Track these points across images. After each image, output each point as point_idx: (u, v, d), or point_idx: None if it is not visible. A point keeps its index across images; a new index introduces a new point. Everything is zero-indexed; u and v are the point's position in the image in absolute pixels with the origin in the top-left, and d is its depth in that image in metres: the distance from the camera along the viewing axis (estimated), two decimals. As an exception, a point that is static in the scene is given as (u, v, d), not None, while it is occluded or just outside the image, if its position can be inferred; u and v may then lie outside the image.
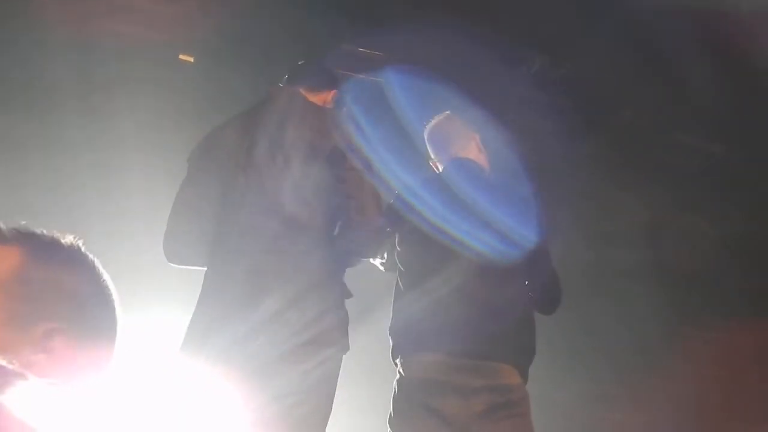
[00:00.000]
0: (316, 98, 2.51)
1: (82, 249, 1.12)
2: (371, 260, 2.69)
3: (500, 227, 2.59)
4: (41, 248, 1.07)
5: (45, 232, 1.09)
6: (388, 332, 2.64)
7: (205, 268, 2.41)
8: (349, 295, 2.37)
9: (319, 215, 2.30)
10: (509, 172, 2.91)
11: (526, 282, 2.69)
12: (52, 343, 1.01)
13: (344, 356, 2.32)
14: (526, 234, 2.60)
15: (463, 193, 2.64)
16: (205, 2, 3.52)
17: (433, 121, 2.93)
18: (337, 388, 2.30)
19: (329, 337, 2.24)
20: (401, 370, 2.54)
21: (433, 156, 2.89)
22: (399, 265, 2.68)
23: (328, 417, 2.25)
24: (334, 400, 2.28)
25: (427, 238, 2.57)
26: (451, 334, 2.46)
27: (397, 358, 2.57)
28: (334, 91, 2.56)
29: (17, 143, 3.65)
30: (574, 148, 3.96)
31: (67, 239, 1.10)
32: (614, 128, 4.15)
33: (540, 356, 2.65)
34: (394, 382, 2.56)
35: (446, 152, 2.81)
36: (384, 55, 3.43)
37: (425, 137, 2.92)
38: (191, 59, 3.86)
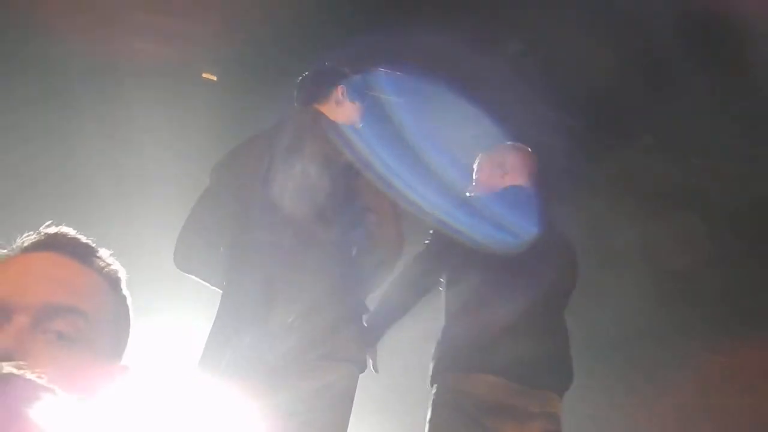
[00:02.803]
0: (329, 108, 2.54)
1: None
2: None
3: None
4: (115, 277, 1.05)
5: (112, 260, 1.06)
6: (436, 347, 2.64)
7: (210, 284, 2.42)
8: (366, 310, 2.35)
9: (336, 229, 2.30)
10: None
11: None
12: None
13: (362, 374, 2.30)
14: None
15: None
16: (229, 22, 3.57)
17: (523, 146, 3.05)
18: (353, 408, 2.27)
19: (344, 351, 2.21)
20: (456, 385, 2.55)
21: (514, 168, 2.95)
22: (450, 283, 2.69)
23: None
24: (350, 421, 2.25)
25: (485, 259, 2.62)
26: (513, 359, 2.53)
27: (449, 373, 2.57)
28: (341, 87, 2.59)
29: (43, 158, 3.71)
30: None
31: (117, 264, 1.08)
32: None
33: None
34: (440, 397, 2.57)
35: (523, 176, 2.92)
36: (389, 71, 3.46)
37: (514, 151, 3.01)
38: (214, 78, 3.91)
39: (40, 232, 1.04)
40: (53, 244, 1.02)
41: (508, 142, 3.09)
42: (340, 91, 2.59)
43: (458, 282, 2.67)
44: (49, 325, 0.93)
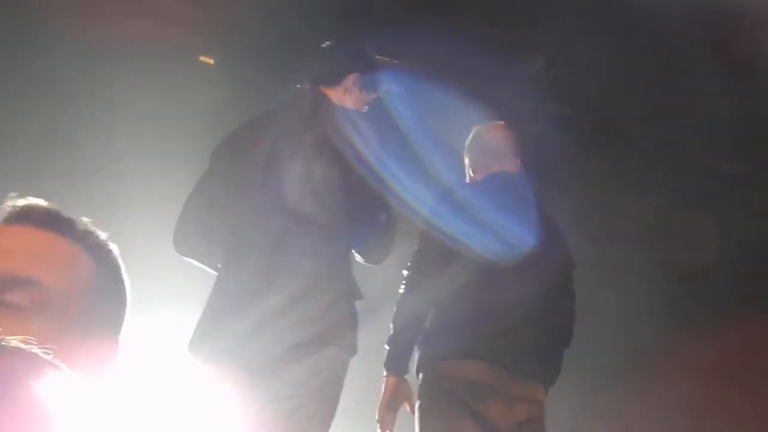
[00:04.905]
0: (337, 94, 2.51)
1: (113, 246, 1.04)
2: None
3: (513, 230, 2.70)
4: (102, 253, 1.01)
5: (98, 232, 1.02)
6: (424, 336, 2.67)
7: (208, 268, 2.42)
8: (359, 296, 2.36)
9: (333, 214, 2.30)
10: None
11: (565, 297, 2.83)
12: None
13: (353, 359, 2.31)
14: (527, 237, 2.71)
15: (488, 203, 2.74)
16: (226, 4, 3.55)
17: (484, 128, 3.02)
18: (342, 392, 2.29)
19: (333, 335, 2.22)
20: (441, 371, 2.58)
21: (473, 162, 2.95)
22: (429, 273, 2.69)
23: (331, 422, 2.24)
24: (339, 405, 2.27)
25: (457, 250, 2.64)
26: (497, 347, 2.57)
27: (435, 360, 2.61)
28: (355, 74, 2.53)
29: (33, 142, 3.68)
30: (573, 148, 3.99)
31: (103, 234, 1.03)
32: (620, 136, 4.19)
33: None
34: (426, 382, 2.62)
35: (494, 162, 2.90)
36: (400, 62, 3.46)
37: (473, 141, 2.99)
38: (211, 61, 3.89)
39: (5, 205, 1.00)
40: (19, 216, 0.98)
41: (487, 123, 3.06)
42: (351, 80, 2.53)
43: (444, 273, 2.68)
44: (1, 298, 0.89)
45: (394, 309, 2.68)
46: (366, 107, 2.59)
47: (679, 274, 4.43)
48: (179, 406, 2.27)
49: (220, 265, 2.37)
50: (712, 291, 4.45)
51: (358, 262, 2.46)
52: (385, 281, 2.91)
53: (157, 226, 2.61)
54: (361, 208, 2.33)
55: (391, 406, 2.59)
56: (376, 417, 2.60)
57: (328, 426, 2.23)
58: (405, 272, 2.71)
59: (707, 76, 3.64)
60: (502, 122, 3.05)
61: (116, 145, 3.66)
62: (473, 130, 3.04)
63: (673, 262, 4.44)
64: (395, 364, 2.61)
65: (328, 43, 2.66)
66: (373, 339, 2.61)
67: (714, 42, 3.50)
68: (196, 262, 2.45)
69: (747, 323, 4.24)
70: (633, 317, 4.49)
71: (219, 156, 2.47)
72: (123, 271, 1.03)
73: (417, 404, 2.62)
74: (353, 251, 2.42)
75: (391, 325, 2.66)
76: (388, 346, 2.64)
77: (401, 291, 2.69)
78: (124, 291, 1.03)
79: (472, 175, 2.96)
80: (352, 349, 2.29)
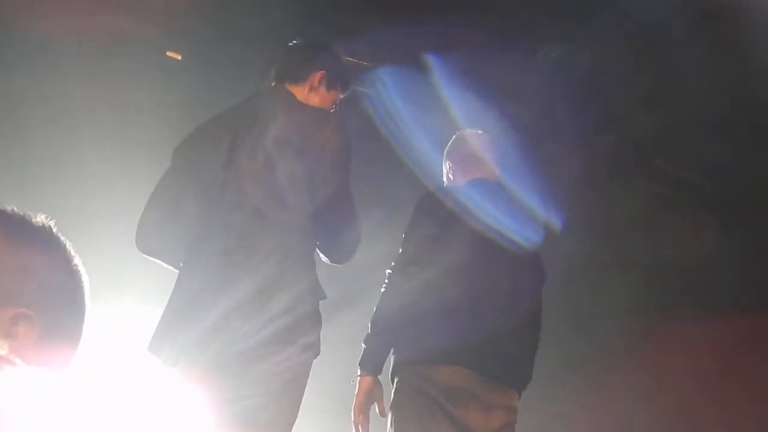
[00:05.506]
0: (302, 90, 2.50)
1: (54, 231, 1.06)
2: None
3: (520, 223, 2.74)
4: (12, 226, 1.01)
5: (16, 210, 1.03)
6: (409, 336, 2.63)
7: (170, 266, 2.39)
8: (323, 296, 2.35)
9: (295, 213, 2.29)
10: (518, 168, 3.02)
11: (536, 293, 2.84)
12: (16, 329, 0.95)
13: (316, 360, 2.30)
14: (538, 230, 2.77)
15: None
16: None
17: (465, 135, 3.04)
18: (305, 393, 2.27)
19: (295, 335, 2.20)
20: (423, 375, 2.56)
21: (454, 166, 2.97)
22: (413, 274, 2.66)
23: (294, 422, 2.23)
24: (301, 406, 2.25)
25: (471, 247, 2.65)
26: (480, 354, 2.56)
27: (416, 364, 2.58)
28: (321, 72, 2.52)
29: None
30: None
31: (39, 219, 1.05)
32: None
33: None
34: (405, 384, 2.59)
35: (473, 168, 2.91)
36: (370, 64, 3.45)
37: (453, 146, 3.01)
38: (178, 57, 3.85)
39: None
40: None
41: (467, 130, 3.08)
42: (317, 77, 2.52)
43: (428, 276, 2.65)
44: None
45: (374, 309, 2.64)
46: (333, 106, 2.58)
47: (648, 272, 4.50)
48: (140, 406, 2.25)
49: (181, 264, 2.35)
50: (681, 291, 4.53)
51: (323, 261, 2.46)
52: (350, 282, 2.90)
53: (120, 224, 2.58)
54: (325, 206, 2.32)
55: (365, 406, 2.58)
56: (352, 418, 2.58)
57: (291, 426, 2.22)
58: (388, 272, 2.69)
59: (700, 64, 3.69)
60: (481, 130, 3.06)
61: (78, 143, 3.61)
62: (455, 135, 3.06)
63: (642, 260, 4.51)
64: (372, 364, 2.59)
65: (296, 40, 2.65)
66: (337, 340, 2.60)
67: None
68: (157, 261, 2.43)
69: (714, 326, 4.32)
70: (598, 316, 4.54)
71: (182, 152, 2.46)
72: (31, 249, 1.03)
73: (392, 406, 2.59)
74: (317, 250, 2.42)
75: (370, 324, 2.63)
76: (366, 345, 2.61)
77: (383, 291, 2.66)
78: (17, 266, 1.01)
79: (451, 178, 2.97)
80: (315, 349, 2.28)
